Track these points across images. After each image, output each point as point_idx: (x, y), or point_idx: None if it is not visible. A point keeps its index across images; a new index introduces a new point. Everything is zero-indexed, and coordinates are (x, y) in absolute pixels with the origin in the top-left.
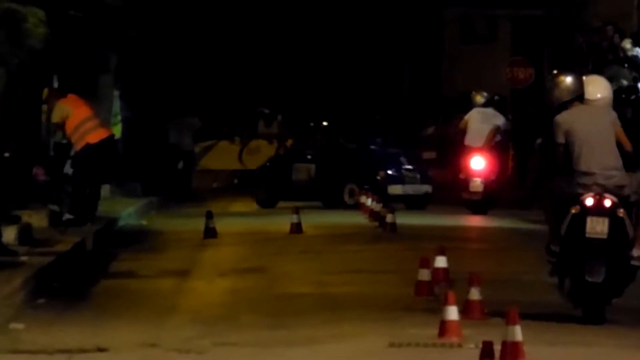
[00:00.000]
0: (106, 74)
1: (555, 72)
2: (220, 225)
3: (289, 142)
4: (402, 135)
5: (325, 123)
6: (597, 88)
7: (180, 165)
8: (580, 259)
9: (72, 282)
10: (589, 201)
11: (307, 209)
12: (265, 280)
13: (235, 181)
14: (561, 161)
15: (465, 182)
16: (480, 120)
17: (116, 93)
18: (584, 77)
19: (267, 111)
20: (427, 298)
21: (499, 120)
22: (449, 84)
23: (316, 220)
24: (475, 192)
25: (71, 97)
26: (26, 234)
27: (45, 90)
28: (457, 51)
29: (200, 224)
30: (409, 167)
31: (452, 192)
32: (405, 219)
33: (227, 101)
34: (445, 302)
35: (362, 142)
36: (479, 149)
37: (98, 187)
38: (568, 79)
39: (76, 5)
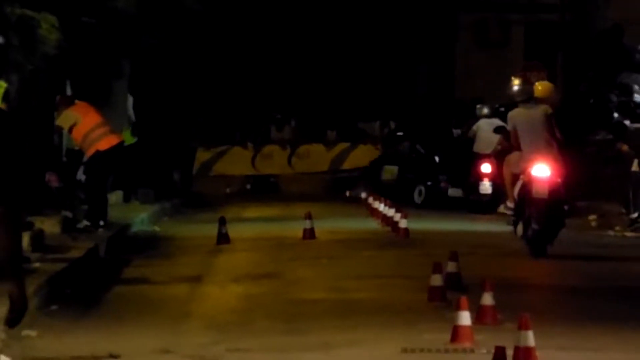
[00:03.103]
0: (120, 80)
1: (513, 77)
2: (233, 230)
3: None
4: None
5: None
6: (540, 91)
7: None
8: (529, 212)
9: (85, 289)
10: (534, 171)
11: (320, 214)
12: (279, 286)
13: (248, 186)
14: (514, 143)
15: (475, 185)
16: (489, 130)
17: (130, 99)
18: (536, 82)
19: (279, 116)
20: (440, 303)
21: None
22: (462, 89)
23: (329, 225)
24: (485, 194)
25: (80, 104)
26: (39, 241)
27: (58, 97)
28: (471, 56)
29: (213, 229)
30: None
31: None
32: (418, 224)
33: (240, 107)
34: (458, 308)
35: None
36: (487, 155)
37: (105, 193)
38: (521, 83)
39: (89, 11)
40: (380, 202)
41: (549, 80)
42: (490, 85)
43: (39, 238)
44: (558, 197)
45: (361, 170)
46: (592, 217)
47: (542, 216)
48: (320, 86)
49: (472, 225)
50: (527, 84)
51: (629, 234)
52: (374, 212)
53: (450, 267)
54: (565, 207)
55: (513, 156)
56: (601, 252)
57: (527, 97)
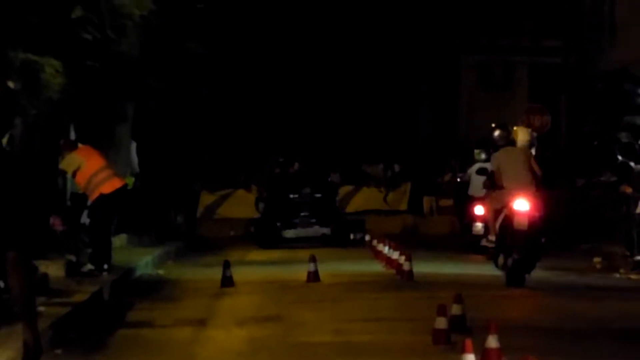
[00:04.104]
0: (123, 123)
1: (493, 125)
2: (238, 274)
3: None
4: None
5: None
6: (520, 135)
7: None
8: (510, 243)
9: (89, 333)
10: (515, 205)
11: (324, 257)
12: (283, 329)
13: (252, 229)
14: (496, 181)
15: (469, 227)
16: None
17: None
18: (514, 128)
19: (282, 159)
20: (445, 346)
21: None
22: (466, 130)
23: (333, 268)
24: (478, 235)
25: (83, 148)
26: (43, 284)
27: (62, 141)
28: (475, 98)
29: (217, 272)
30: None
31: (465, 240)
32: (422, 267)
33: (243, 150)
34: (463, 350)
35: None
36: (481, 198)
37: (109, 236)
38: (501, 130)
39: (93, 55)
40: (385, 244)
41: (553, 122)
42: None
43: (43, 282)
44: (537, 230)
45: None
46: (596, 259)
47: (522, 247)
48: (323, 129)
49: (474, 267)
50: (506, 131)
51: (633, 276)
52: (378, 255)
53: (455, 309)
54: (543, 240)
55: (495, 194)
56: (606, 294)
57: (507, 142)
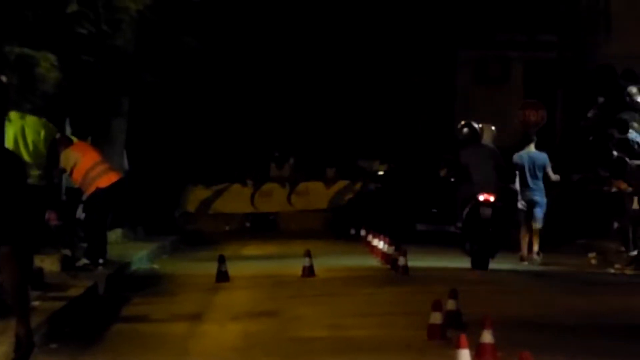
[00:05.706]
0: (118, 118)
1: (462, 122)
2: (233, 268)
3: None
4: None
5: None
6: (486, 133)
7: None
8: (475, 231)
9: (84, 327)
10: (481, 197)
11: (319, 252)
12: (278, 324)
13: (248, 224)
14: (464, 175)
15: None
16: None
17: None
18: (479, 125)
19: (277, 154)
20: (440, 341)
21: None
22: None
23: (328, 263)
24: None
25: (78, 143)
26: (38, 279)
27: (58, 135)
28: (470, 92)
29: (212, 267)
30: None
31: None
32: (417, 262)
33: (239, 144)
34: (458, 345)
35: None
36: None
37: (104, 231)
38: (467, 129)
39: (88, 49)
40: (380, 239)
41: (549, 117)
42: (490, 122)
43: (38, 276)
44: (500, 219)
45: None
46: (591, 254)
47: (486, 234)
48: (319, 124)
49: (470, 262)
50: (473, 128)
51: (628, 271)
52: (374, 250)
53: (450, 304)
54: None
55: (463, 186)
56: (601, 290)
57: (473, 139)
